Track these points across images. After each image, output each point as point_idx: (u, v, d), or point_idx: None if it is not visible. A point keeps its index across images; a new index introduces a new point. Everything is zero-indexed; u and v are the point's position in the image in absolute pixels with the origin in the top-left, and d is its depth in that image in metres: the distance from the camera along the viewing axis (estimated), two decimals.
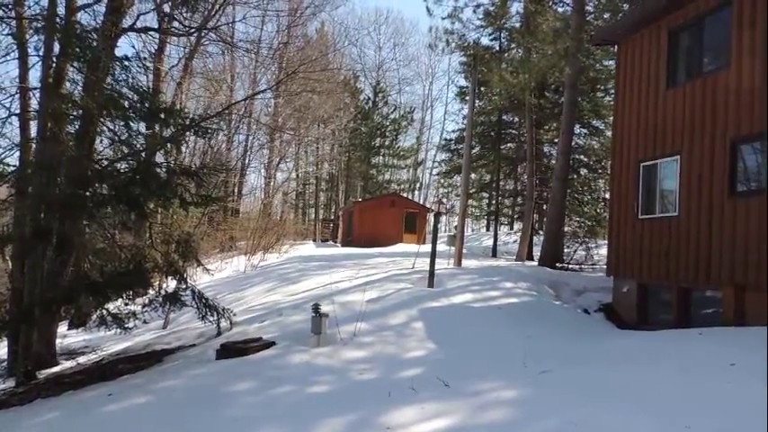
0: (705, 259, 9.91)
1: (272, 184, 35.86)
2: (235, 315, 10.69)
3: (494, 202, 31.84)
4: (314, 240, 38.87)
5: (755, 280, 8.95)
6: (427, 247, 14.64)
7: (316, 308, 9.04)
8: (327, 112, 35.73)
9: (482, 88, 28.23)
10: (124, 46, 62.19)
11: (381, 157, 49.32)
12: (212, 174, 13.23)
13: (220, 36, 19.95)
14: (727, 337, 7.51)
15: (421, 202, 42.60)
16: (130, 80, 10.04)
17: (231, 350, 8.56)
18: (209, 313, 10.08)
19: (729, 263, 9.42)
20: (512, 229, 35.58)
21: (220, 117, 20.32)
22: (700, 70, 10.68)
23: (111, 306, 10.07)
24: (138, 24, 15.05)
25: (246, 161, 33.14)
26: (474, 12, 21.95)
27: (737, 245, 9.30)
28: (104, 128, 10.67)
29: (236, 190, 31.82)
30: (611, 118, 14.88)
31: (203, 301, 10.12)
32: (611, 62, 21.11)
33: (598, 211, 24.25)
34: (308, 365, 7.84)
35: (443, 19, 21.39)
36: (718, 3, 10.11)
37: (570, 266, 18.60)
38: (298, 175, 46.70)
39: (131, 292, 10.08)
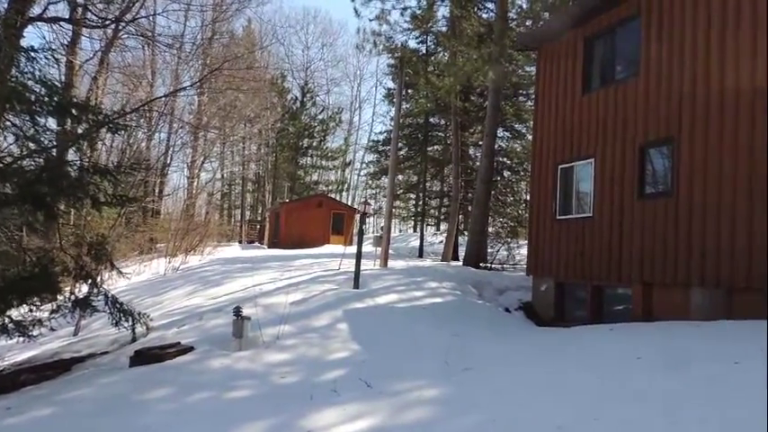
0: (616, 258, 10.40)
1: (195, 184, 34.76)
2: (152, 320, 10.24)
3: (420, 203, 32.27)
4: (239, 242, 38.04)
5: (662, 278, 9.47)
6: (354, 249, 14.61)
7: (237, 311, 8.80)
8: (254, 111, 35.07)
9: (409, 90, 28.57)
10: (33, 36, 58.71)
11: (309, 158, 48.96)
12: (129, 173, 12.60)
13: (139, 30, 19.14)
14: (636, 332, 7.90)
15: (349, 204, 42.58)
16: (38, 72, 9.39)
17: (146, 356, 8.17)
18: (123, 318, 9.58)
19: (638, 262, 9.92)
20: (438, 229, 36.15)
21: (139, 114, 19.50)
22: (612, 77, 11.22)
23: (14, 313, 9.39)
24: (48, 14, 14.20)
25: (168, 160, 31.96)
26: (401, 14, 22.19)
27: (646, 245, 9.81)
28: (8, 123, 9.95)
29: (156, 190, 30.60)
30: (532, 122, 15.38)
31: (117, 305, 9.61)
32: (532, 68, 21.85)
33: (520, 212, 25.05)
34: (229, 370, 7.62)
35: (371, 20, 21.47)
36: (628, 14, 10.64)
37: (493, 266, 19.13)
38: (223, 176, 45.61)
39: (37, 298, 9.44)
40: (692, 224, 9.00)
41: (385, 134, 37.44)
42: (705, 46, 9.06)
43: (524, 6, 19.37)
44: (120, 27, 18.54)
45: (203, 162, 36.26)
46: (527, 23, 18.92)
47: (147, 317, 10.01)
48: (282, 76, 46.26)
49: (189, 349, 8.53)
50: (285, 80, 46.99)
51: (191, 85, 24.75)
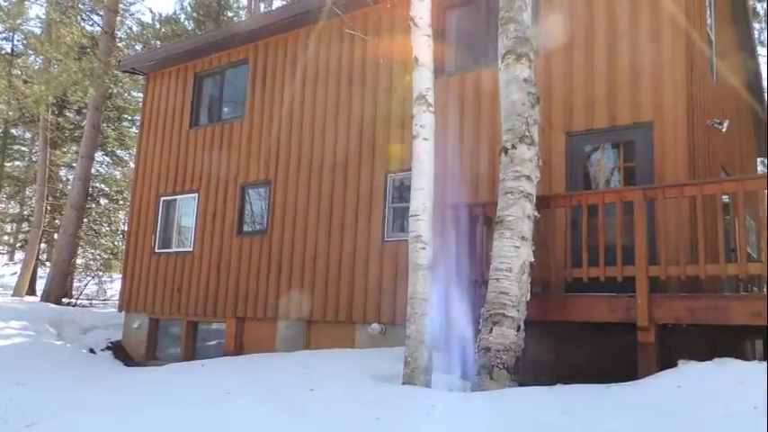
0: (213, 294, 10.54)
1: None
2: None
3: None
4: None
5: (254, 312, 9.99)
6: None
7: None
8: None
9: None
10: None
11: None
12: None
13: None
14: (228, 367, 8.03)
15: None
16: None
17: None
18: None
19: (233, 298, 10.26)
20: (12, 259, 30.96)
21: None
22: (220, 116, 11.57)
23: None
24: None
25: None
26: None
27: (241, 280, 10.22)
28: None
29: None
30: (136, 149, 14.63)
31: None
32: (140, 94, 20.97)
33: (116, 243, 23.32)
34: None
35: None
36: (237, 58, 11.20)
37: (80, 302, 17.34)
38: None
39: None
40: (282, 262, 9.79)
41: None
42: (300, 100, 10.14)
43: (134, 29, 18.59)
44: None
45: None
46: (136, 47, 18.16)
47: None
48: None
49: None
50: None
51: None
